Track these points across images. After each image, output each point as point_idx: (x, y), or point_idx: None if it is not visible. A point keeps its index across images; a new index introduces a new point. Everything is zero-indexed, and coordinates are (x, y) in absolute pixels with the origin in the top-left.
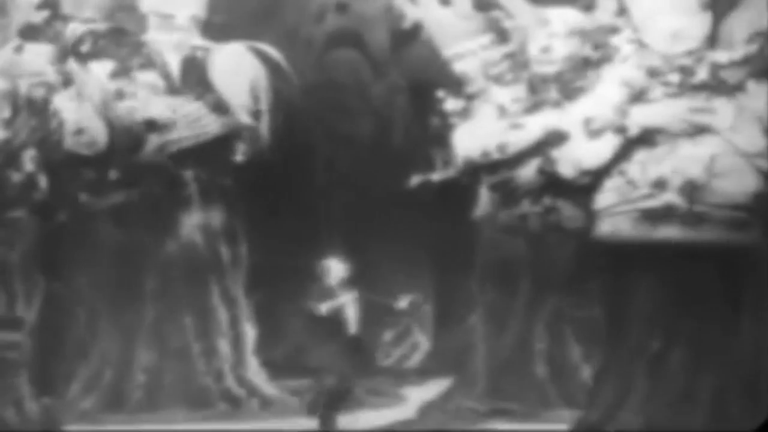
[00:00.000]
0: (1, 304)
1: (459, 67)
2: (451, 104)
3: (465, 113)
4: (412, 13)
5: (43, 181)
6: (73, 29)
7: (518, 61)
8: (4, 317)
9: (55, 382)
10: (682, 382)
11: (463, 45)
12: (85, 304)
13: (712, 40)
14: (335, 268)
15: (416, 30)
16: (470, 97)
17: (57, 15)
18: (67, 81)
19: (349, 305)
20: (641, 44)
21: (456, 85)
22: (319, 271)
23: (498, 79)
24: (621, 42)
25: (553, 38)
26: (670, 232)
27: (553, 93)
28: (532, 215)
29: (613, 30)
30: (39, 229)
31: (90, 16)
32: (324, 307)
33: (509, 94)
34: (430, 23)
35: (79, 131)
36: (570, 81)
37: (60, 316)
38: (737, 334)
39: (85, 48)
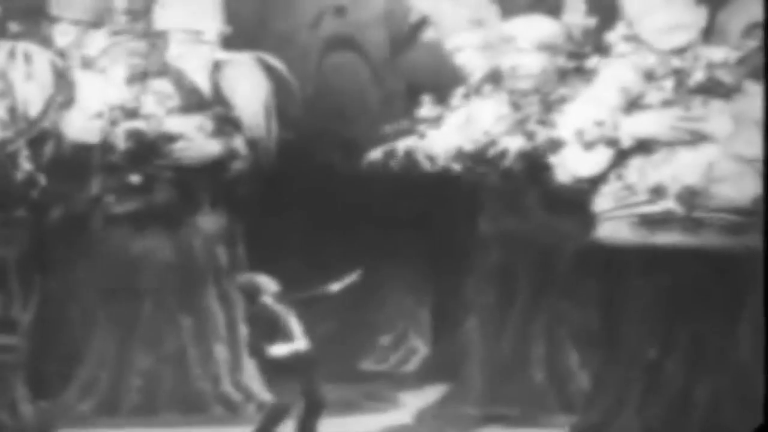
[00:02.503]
0: None
1: (460, 59)
2: (426, 111)
3: (436, 122)
4: (418, 7)
5: (43, 180)
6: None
7: (494, 76)
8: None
9: (50, 385)
10: (678, 387)
11: (463, 36)
12: (81, 306)
13: (707, 33)
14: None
15: (417, 30)
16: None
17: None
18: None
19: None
20: (637, 40)
21: (453, 85)
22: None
23: (478, 91)
24: (616, 39)
25: (521, 54)
26: (668, 237)
27: (534, 107)
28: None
29: (585, 36)
30: (37, 229)
31: (78, 17)
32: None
33: (490, 110)
34: (435, 14)
35: (99, 114)
36: (548, 94)
37: (56, 318)
38: (734, 340)
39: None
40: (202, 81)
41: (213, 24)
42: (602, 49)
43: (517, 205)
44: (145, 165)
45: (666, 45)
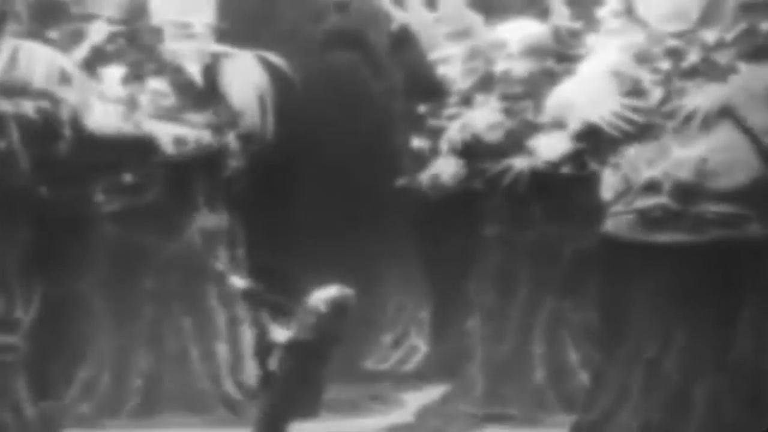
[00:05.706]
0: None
1: (441, 71)
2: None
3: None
4: (399, 17)
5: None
6: (97, 29)
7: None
8: (1, 319)
9: (53, 385)
10: (679, 386)
11: (446, 49)
12: (84, 307)
13: (704, 17)
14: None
15: (399, 41)
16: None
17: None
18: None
19: None
20: (630, 18)
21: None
22: None
23: (468, 101)
24: (607, 15)
25: (511, 60)
26: (666, 236)
27: (528, 113)
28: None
29: (574, 36)
30: (39, 229)
31: (111, 15)
32: None
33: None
34: (416, 26)
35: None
36: (540, 97)
37: (58, 319)
38: (733, 338)
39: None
40: (198, 77)
41: (208, 18)
42: (592, 26)
43: (519, 210)
44: (137, 164)
45: (661, 29)
